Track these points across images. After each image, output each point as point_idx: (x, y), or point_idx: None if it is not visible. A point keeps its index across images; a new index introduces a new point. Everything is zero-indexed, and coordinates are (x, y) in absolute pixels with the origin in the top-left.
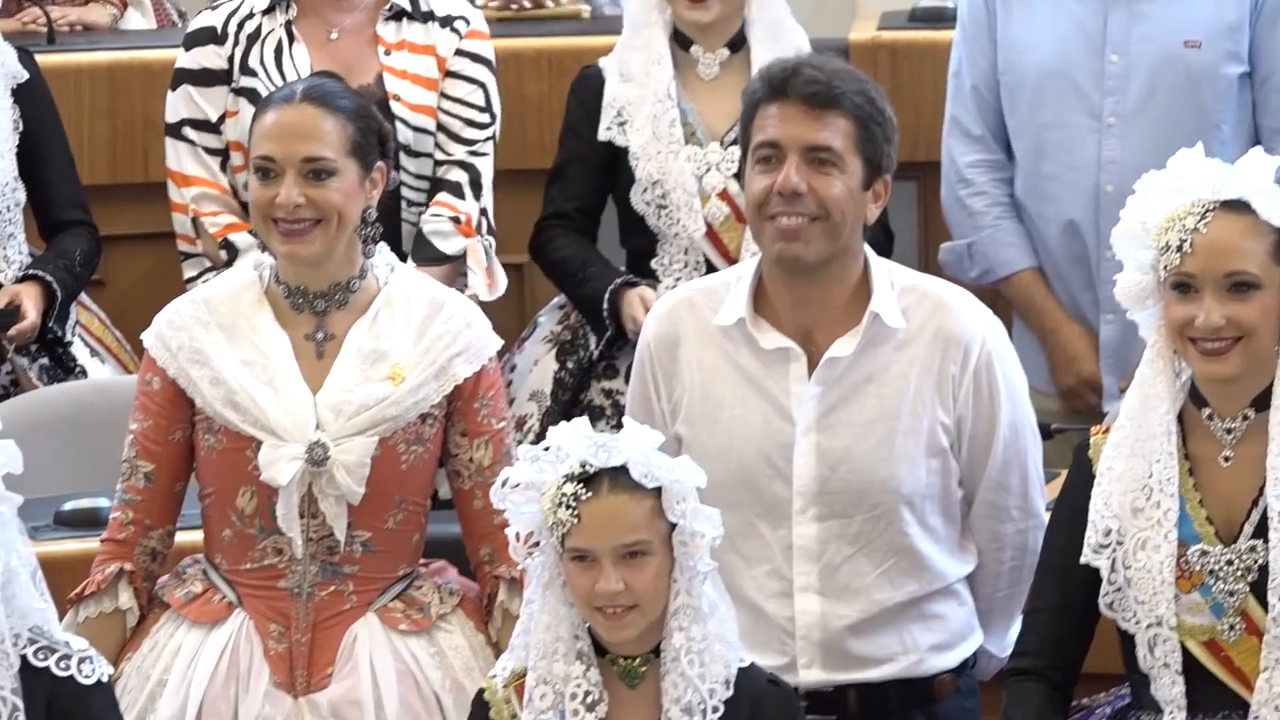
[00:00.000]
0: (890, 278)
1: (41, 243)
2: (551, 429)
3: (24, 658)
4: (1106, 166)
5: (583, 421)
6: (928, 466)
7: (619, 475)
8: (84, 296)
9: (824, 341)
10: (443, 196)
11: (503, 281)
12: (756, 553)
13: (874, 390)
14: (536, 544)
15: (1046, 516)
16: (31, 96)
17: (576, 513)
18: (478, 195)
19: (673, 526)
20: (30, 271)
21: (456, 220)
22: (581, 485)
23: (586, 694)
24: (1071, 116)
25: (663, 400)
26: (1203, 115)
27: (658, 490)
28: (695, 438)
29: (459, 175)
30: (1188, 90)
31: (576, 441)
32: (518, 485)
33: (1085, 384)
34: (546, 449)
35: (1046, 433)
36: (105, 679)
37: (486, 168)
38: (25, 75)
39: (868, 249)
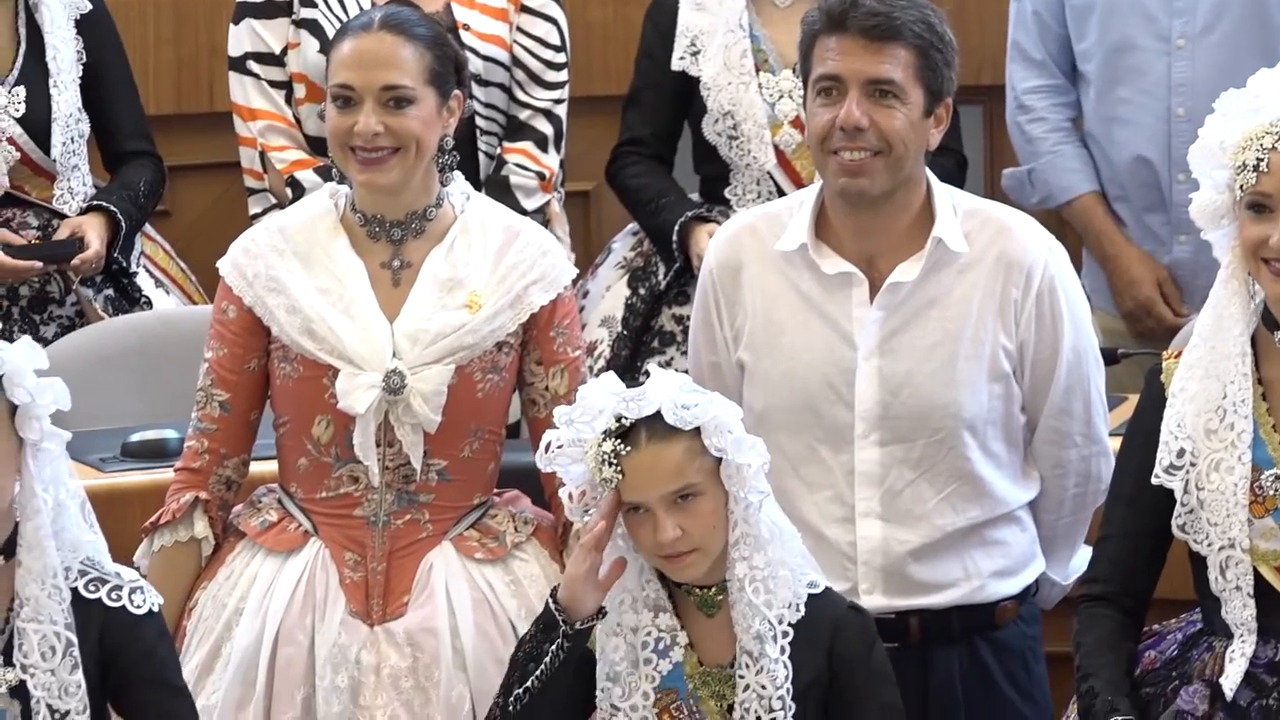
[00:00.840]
0: (953, 202)
1: (106, 174)
2: (580, 387)
3: (75, 590)
4: (1177, 89)
5: (609, 376)
6: (990, 391)
7: (655, 423)
8: (149, 228)
9: (886, 266)
10: (529, 147)
11: (565, 238)
12: (818, 478)
13: (936, 315)
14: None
15: (1110, 442)
16: (95, 27)
17: (620, 469)
18: (559, 148)
19: (718, 461)
20: (94, 202)
21: (541, 176)
22: (619, 440)
23: (658, 640)
24: (1140, 39)
25: (725, 326)
26: (1273, 34)
27: (697, 430)
28: (757, 363)
29: (545, 127)
30: (1257, 11)
31: (606, 397)
32: (561, 446)
33: (1143, 307)
34: (577, 407)
35: (1113, 357)
36: (156, 609)
37: (565, 116)
38: (89, 6)
39: (929, 174)
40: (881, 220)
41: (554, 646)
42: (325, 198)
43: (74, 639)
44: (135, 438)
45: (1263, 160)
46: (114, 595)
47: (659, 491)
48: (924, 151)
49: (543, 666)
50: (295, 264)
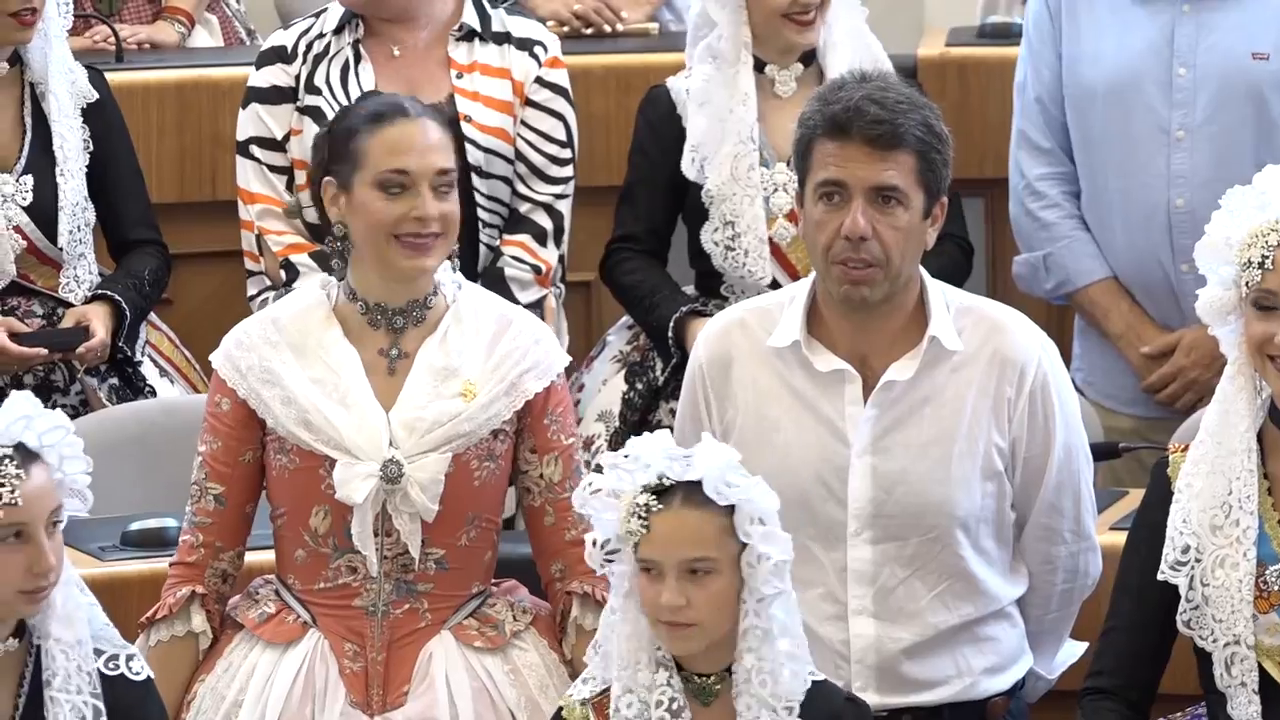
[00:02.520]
0: (946, 299)
1: (111, 262)
2: (633, 439)
3: (102, 672)
4: (1176, 181)
5: (664, 433)
6: (983, 489)
7: (693, 490)
8: (153, 316)
9: (879, 364)
10: (527, 240)
11: (562, 330)
12: (811, 575)
13: (930, 413)
14: (615, 552)
15: (1098, 538)
16: (102, 116)
17: (647, 523)
18: (559, 244)
19: (743, 546)
20: (100, 291)
21: (537, 270)
22: (654, 496)
23: (672, 700)
24: (1139, 130)
25: (714, 421)
26: (1273, 128)
27: (731, 509)
28: (748, 460)
29: (544, 221)
30: (1256, 103)
31: (655, 452)
32: (599, 491)
33: (1170, 376)
34: (627, 456)
35: (1114, 451)
36: (150, 676)
37: (568, 211)
38: (95, 95)
39: (923, 272)
40: (877, 320)
41: None
42: (317, 289)
43: (103, 708)
44: (135, 526)
45: (1268, 258)
46: (111, 664)
47: (676, 556)
48: (921, 252)
49: None
50: (289, 355)
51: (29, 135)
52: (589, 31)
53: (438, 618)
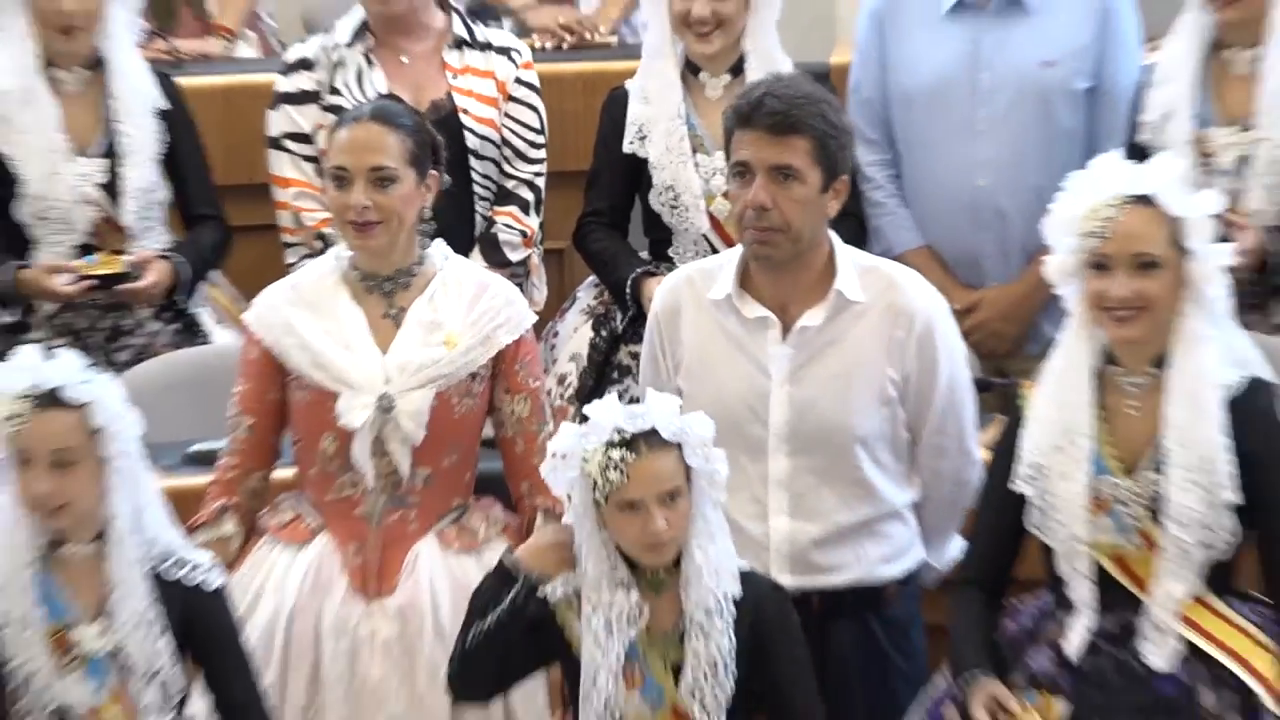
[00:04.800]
0: (853, 260)
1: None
2: (587, 406)
3: (158, 573)
4: (978, 166)
5: (610, 397)
6: (879, 414)
7: (651, 436)
8: (219, 277)
9: (795, 312)
10: (514, 210)
11: (542, 285)
12: (738, 482)
13: (835, 352)
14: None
15: (979, 455)
16: (174, 116)
17: (625, 473)
18: (538, 212)
19: (689, 469)
20: (164, 252)
21: (524, 234)
22: (626, 450)
23: (628, 613)
24: (949, 125)
25: (668, 359)
26: (1055, 122)
27: (679, 445)
28: (692, 389)
29: (527, 194)
30: (1044, 102)
31: (612, 413)
32: (564, 456)
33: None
34: (585, 422)
35: (987, 386)
36: (223, 585)
37: (543, 186)
38: (166, 103)
39: (833, 236)
40: (791, 276)
41: (513, 592)
42: (331, 260)
43: (157, 612)
44: (193, 449)
45: (1103, 228)
46: (190, 576)
47: (655, 490)
48: (824, 220)
49: (501, 608)
50: (305, 312)
51: (105, 127)
52: (571, 39)
53: (424, 525)
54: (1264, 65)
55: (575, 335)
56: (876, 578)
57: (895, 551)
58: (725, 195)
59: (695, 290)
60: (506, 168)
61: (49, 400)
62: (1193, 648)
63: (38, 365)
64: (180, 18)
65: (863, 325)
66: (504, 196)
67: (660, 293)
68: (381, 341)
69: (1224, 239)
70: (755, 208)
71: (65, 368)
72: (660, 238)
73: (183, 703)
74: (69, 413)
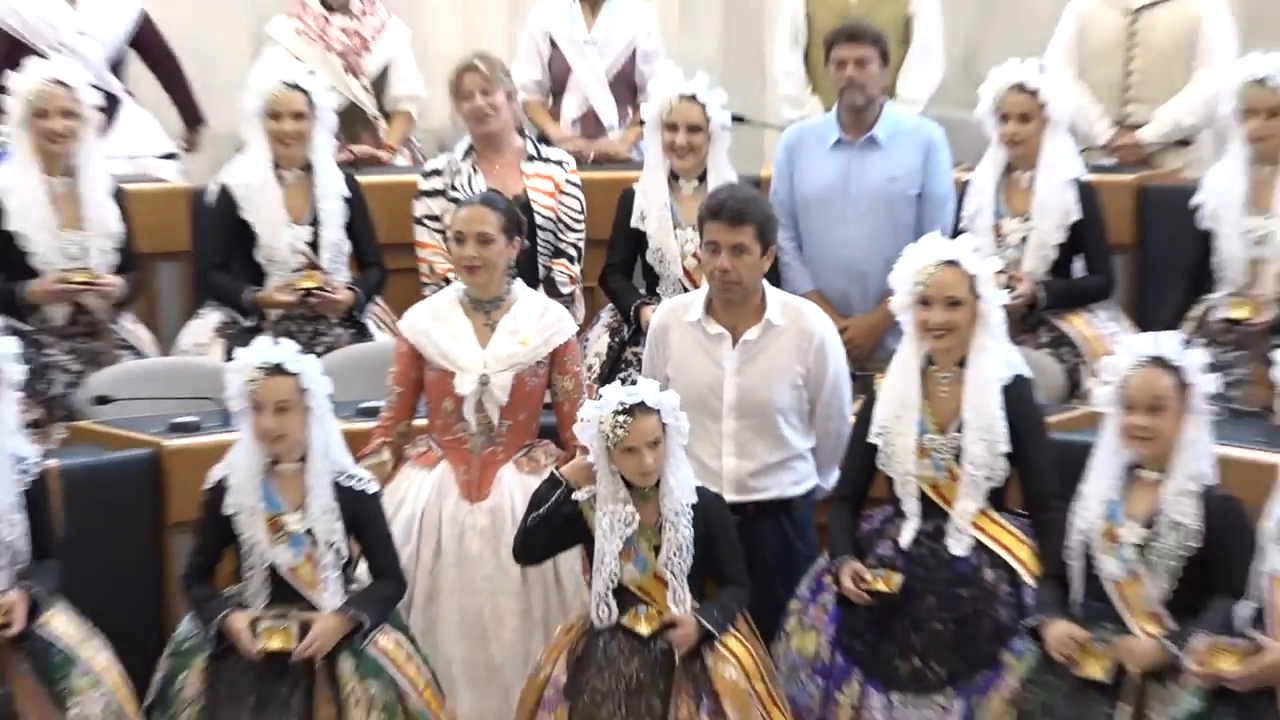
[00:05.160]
0: (777, 298)
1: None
2: (604, 388)
3: (338, 483)
4: (849, 244)
5: (615, 384)
6: (791, 395)
7: (642, 405)
8: (380, 300)
9: (740, 330)
10: (565, 262)
11: (581, 308)
12: (703, 436)
13: (765, 356)
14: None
15: (850, 420)
16: (354, 200)
17: (626, 430)
18: (579, 263)
19: (665, 426)
20: (349, 284)
21: (570, 278)
22: (626, 415)
23: (626, 519)
24: (830, 217)
25: (659, 359)
26: (897, 216)
27: (659, 411)
28: (675, 377)
29: (572, 252)
30: (891, 205)
31: (617, 393)
32: (588, 420)
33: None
34: (601, 398)
35: (854, 377)
36: (378, 490)
37: (583, 248)
38: (349, 191)
39: (765, 283)
40: (739, 308)
41: (557, 494)
42: (452, 291)
43: (335, 507)
44: (362, 406)
45: (927, 279)
46: (356, 483)
47: (645, 439)
48: (761, 274)
49: (548, 504)
50: (436, 323)
51: (311, 206)
52: (593, 157)
53: (506, 455)
54: (1037, 182)
55: (598, 341)
56: (787, 495)
57: (799, 478)
58: (694, 256)
59: (677, 315)
60: (559, 236)
61: (275, 369)
62: (979, 542)
63: (268, 348)
64: (361, 138)
65: (782, 339)
66: (558, 254)
67: (656, 316)
68: (482, 341)
69: (1009, 288)
70: (721, 270)
71: (285, 350)
72: (652, 281)
73: (349, 566)
74: (287, 378)
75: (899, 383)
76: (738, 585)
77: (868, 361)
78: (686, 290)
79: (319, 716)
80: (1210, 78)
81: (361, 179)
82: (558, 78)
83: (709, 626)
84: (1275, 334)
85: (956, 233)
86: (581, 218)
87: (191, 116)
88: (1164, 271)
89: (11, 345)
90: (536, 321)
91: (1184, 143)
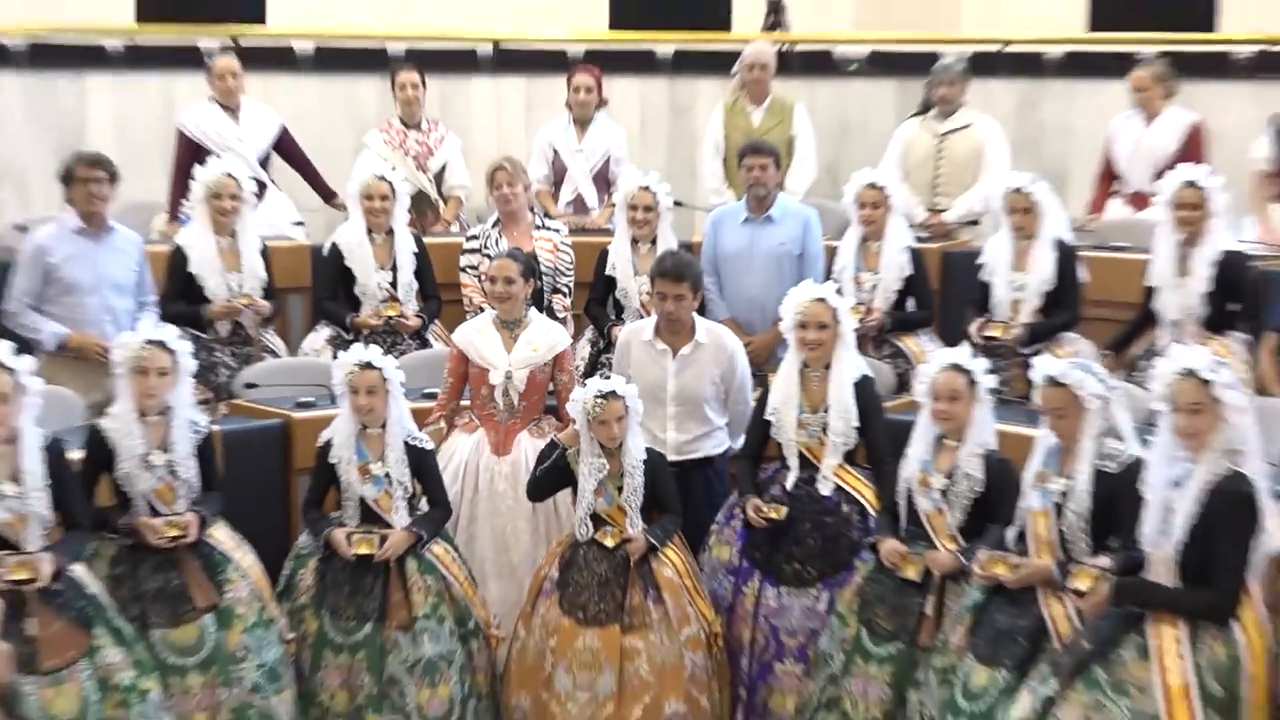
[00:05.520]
0: (704, 324)
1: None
2: (587, 380)
3: (407, 441)
4: (753, 287)
5: (595, 379)
6: (712, 390)
7: (613, 394)
8: (438, 321)
9: (678, 347)
10: (560, 297)
11: (571, 327)
12: (652, 416)
13: (694, 365)
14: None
15: (752, 404)
16: (420, 254)
17: (601, 409)
18: (570, 297)
19: (628, 407)
20: (418, 313)
21: (565, 308)
22: (603, 398)
23: (599, 469)
24: (741, 270)
25: (623, 364)
26: (784, 269)
27: (624, 397)
28: (635, 377)
29: (566, 290)
30: (780, 262)
31: (597, 385)
32: (575, 401)
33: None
34: (585, 386)
35: (755, 376)
36: (433, 448)
37: (572, 287)
38: (417, 248)
39: (695, 315)
40: (677, 333)
41: (555, 453)
42: (488, 315)
43: (405, 458)
44: (424, 391)
45: (802, 312)
46: (420, 445)
47: (613, 417)
48: (693, 310)
49: (550, 460)
50: (477, 337)
51: (392, 259)
52: (581, 227)
53: (522, 425)
54: (883, 248)
55: (582, 350)
56: (710, 454)
57: (718, 443)
58: (647, 294)
59: (636, 335)
60: (557, 279)
61: (366, 365)
62: (839, 486)
63: (362, 351)
64: (426, 214)
65: (706, 353)
66: (556, 290)
67: (622, 335)
68: (507, 349)
69: (864, 318)
70: (667, 312)
71: (373, 352)
72: (619, 311)
73: (413, 499)
74: (374, 371)
75: (785, 379)
76: (674, 514)
77: (764, 365)
78: (642, 318)
79: (392, 599)
80: (989, 182)
81: (426, 240)
82: (557, 174)
83: (654, 541)
84: (1024, 346)
85: (827, 279)
86: (572, 267)
87: (326, 192)
88: (960, 307)
89: (189, 348)
90: (544, 336)
91: (973, 223)
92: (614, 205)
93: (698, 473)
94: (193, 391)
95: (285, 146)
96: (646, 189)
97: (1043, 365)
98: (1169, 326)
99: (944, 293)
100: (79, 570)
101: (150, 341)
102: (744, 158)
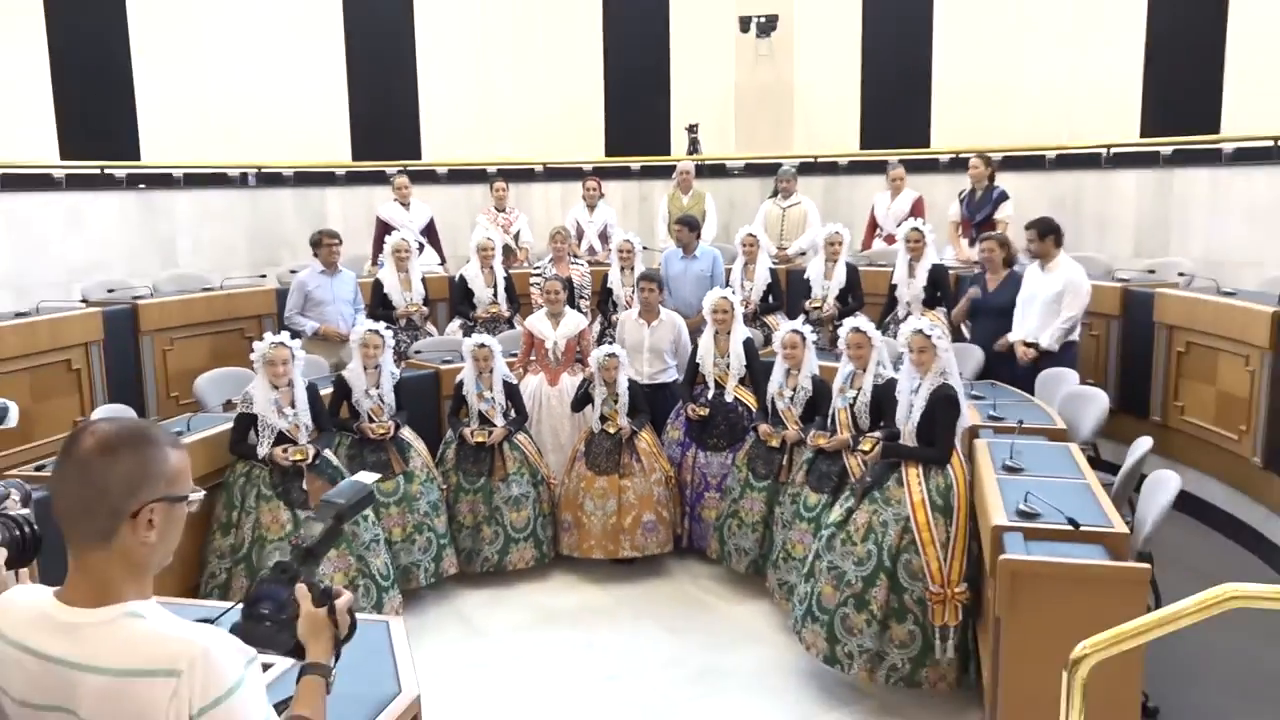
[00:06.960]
0: (664, 310)
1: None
2: (597, 346)
3: (504, 380)
4: (687, 294)
5: (604, 345)
6: (669, 345)
7: (613, 354)
8: (519, 315)
9: (650, 321)
10: (583, 301)
11: (589, 316)
12: (635, 360)
13: (658, 332)
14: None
15: (689, 354)
16: (508, 279)
17: (607, 361)
18: (589, 300)
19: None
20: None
21: (586, 307)
22: (607, 356)
23: (603, 394)
24: (681, 286)
25: (620, 335)
26: (704, 285)
27: (618, 354)
28: (626, 342)
29: (586, 296)
30: (700, 281)
31: (604, 349)
32: (592, 357)
33: None
34: (601, 350)
35: (691, 339)
36: (517, 383)
37: (588, 294)
38: (506, 274)
39: (660, 306)
40: (651, 315)
41: (586, 384)
42: (544, 310)
43: (504, 389)
44: (511, 354)
45: (714, 305)
46: (511, 381)
47: (614, 365)
48: (660, 303)
49: (581, 390)
50: (537, 321)
51: (494, 280)
52: (593, 261)
53: (564, 369)
54: (755, 269)
55: (595, 328)
56: (667, 381)
57: (671, 376)
58: (633, 293)
59: (627, 316)
60: (582, 291)
61: (481, 345)
62: (736, 397)
63: (483, 336)
64: (511, 258)
65: (666, 326)
66: (580, 297)
67: (619, 319)
68: (554, 328)
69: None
70: (645, 301)
71: (485, 337)
72: (615, 308)
73: (507, 412)
74: (484, 348)
75: (705, 341)
76: (645, 414)
77: (696, 334)
78: (627, 310)
79: (495, 464)
80: (811, 233)
81: (511, 271)
82: (579, 235)
83: (635, 428)
84: (833, 321)
85: (726, 287)
86: (588, 285)
87: (441, 255)
88: (797, 299)
89: (389, 332)
90: (574, 322)
91: (802, 253)
92: (610, 251)
93: (660, 391)
94: (391, 357)
95: (430, 227)
96: (628, 241)
97: (849, 324)
98: (904, 306)
99: (787, 291)
100: (329, 453)
101: (370, 330)
102: (677, 226)
